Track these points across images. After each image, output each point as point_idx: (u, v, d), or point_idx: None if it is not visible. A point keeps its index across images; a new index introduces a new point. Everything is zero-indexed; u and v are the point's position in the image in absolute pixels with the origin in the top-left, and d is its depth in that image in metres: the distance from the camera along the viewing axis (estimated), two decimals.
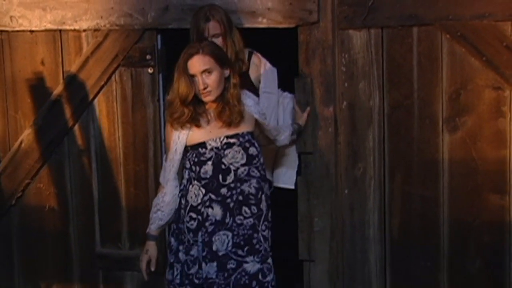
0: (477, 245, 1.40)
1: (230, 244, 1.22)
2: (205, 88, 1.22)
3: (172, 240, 1.30)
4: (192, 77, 1.23)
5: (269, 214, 1.29)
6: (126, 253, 1.62)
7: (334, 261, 1.46)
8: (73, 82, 1.60)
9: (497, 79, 1.36)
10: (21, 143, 1.65)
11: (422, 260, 1.44)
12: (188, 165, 1.27)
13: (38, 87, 1.62)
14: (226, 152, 1.25)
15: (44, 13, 1.57)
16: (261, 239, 1.24)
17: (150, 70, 1.55)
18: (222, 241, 1.22)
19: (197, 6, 1.44)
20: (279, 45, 1.59)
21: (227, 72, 1.26)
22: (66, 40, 1.59)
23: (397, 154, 1.45)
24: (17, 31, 1.61)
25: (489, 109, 1.37)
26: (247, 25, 1.47)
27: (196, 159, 1.25)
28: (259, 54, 1.52)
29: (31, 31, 1.60)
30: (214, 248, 1.22)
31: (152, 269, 1.29)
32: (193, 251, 1.25)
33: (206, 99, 1.24)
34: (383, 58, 1.42)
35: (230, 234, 1.22)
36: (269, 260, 1.25)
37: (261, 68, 1.50)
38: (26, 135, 1.64)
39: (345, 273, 1.48)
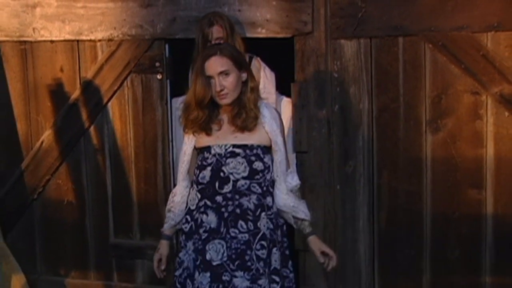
0: (457, 236, 1.44)
1: (225, 254, 1.11)
2: (221, 90, 1.12)
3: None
4: (209, 79, 1.13)
5: (276, 234, 1.14)
6: (137, 243, 1.66)
7: None
8: (89, 87, 1.64)
9: (475, 85, 1.40)
10: (42, 142, 1.69)
11: (407, 249, 1.47)
12: (194, 168, 1.19)
13: (57, 92, 1.67)
14: (228, 160, 1.14)
15: (63, 25, 1.62)
16: (254, 257, 1.11)
17: (159, 76, 1.59)
18: (216, 250, 1.12)
19: (201, 19, 1.48)
20: (276, 54, 1.62)
21: (244, 76, 1.16)
22: (83, 49, 1.63)
23: (384, 153, 1.48)
24: (39, 41, 1.65)
25: (468, 112, 1.41)
26: (247, 35, 1.51)
27: (200, 163, 1.17)
28: (259, 59, 1.57)
29: (52, 41, 1.64)
30: (207, 257, 1.11)
31: (162, 267, 1.21)
32: (181, 254, 1.16)
33: (222, 101, 1.14)
34: (371, 65, 1.46)
35: (224, 243, 1.12)
36: (261, 282, 1.09)
37: (261, 72, 1.54)
38: (47, 135, 1.69)
39: (337, 261, 1.53)
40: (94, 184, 1.68)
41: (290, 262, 1.18)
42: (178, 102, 1.65)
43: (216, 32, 1.45)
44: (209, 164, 1.16)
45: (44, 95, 1.68)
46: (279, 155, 1.17)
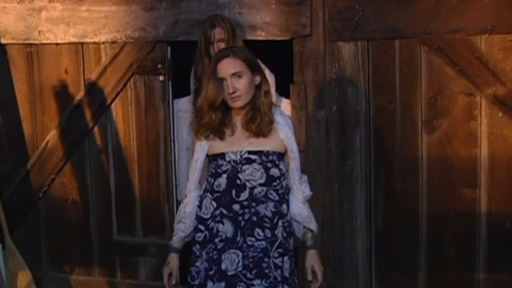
0: (452, 233, 1.46)
1: (240, 264, 1.07)
2: (234, 92, 1.08)
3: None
4: (221, 81, 1.09)
5: (288, 242, 1.10)
6: (140, 241, 1.68)
7: (326, 249, 1.51)
8: (93, 89, 1.67)
9: (469, 86, 1.42)
10: (47, 142, 1.72)
11: (403, 246, 1.49)
12: (207, 176, 1.14)
13: (62, 93, 1.69)
14: (244, 167, 1.09)
15: (68, 28, 1.64)
16: (272, 265, 1.07)
17: (161, 78, 1.61)
18: (231, 260, 1.07)
19: (203, 21, 1.50)
20: (276, 56, 1.63)
21: (258, 79, 1.12)
22: (87, 51, 1.66)
23: (381, 153, 1.50)
24: (44, 44, 1.67)
25: (462, 113, 1.43)
26: (247, 38, 1.53)
27: (213, 171, 1.11)
28: (259, 60, 1.61)
29: (57, 44, 1.67)
30: (223, 267, 1.07)
31: (173, 282, 1.15)
32: (198, 263, 1.11)
33: (234, 104, 1.10)
34: (368, 67, 1.48)
35: (240, 253, 1.07)
36: None
37: None
38: (52, 135, 1.71)
39: (335, 259, 1.53)
40: (98, 183, 1.70)
41: (296, 270, 1.15)
42: (179, 103, 1.68)
43: (218, 34, 1.47)
44: (224, 172, 1.11)
45: (49, 96, 1.70)
46: (295, 163, 1.14)
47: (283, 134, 1.13)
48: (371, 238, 1.51)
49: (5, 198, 1.73)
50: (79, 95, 1.68)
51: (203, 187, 1.15)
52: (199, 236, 1.12)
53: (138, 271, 1.70)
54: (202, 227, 1.12)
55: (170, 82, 1.63)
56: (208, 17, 1.50)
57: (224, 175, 1.11)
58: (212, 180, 1.12)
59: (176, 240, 1.17)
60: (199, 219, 1.13)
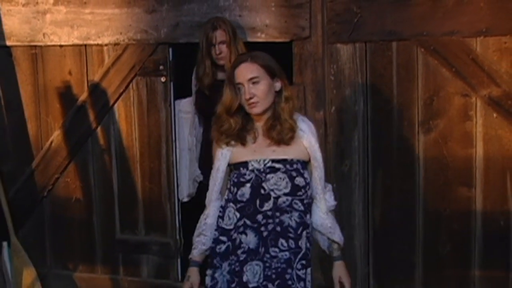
0: (448, 231, 1.48)
1: (261, 276, 1.03)
2: (251, 98, 1.04)
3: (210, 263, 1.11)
4: (238, 86, 1.06)
5: (310, 254, 1.06)
6: (142, 239, 1.70)
7: None
8: (96, 90, 1.69)
9: (465, 87, 1.44)
10: (51, 142, 1.74)
11: (400, 244, 1.51)
12: (229, 186, 1.10)
13: (66, 94, 1.71)
14: (268, 176, 1.05)
15: (71, 30, 1.67)
16: (295, 277, 1.04)
17: (162, 79, 1.63)
18: (253, 272, 1.03)
19: (204, 23, 1.53)
20: (275, 58, 1.67)
21: (278, 85, 1.08)
22: (90, 53, 1.68)
23: (379, 153, 1.52)
24: (49, 46, 1.70)
25: (458, 113, 1.45)
26: (248, 39, 1.55)
27: (236, 180, 1.07)
28: None
29: (61, 46, 1.69)
30: (244, 279, 1.03)
31: None
32: (216, 274, 1.07)
33: (252, 111, 1.06)
34: (366, 68, 1.50)
35: (261, 264, 1.04)
36: None
37: None
38: (56, 135, 1.74)
39: None
40: (101, 183, 1.72)
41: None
42: (181, 104, 1.69)
43: (220, 36, 1.49)
44: (248, 181, 1.07)
45: (53, 97, 1.73)
46: (319, 171, 1.10)
47: (307, 142, 1.09)
48: (368, 236, 1.53)
49: (10, 196, 1.75)
50: (83, 96, 1.70)
51: (225, 196, 1.11)
52: (220, 248, 1.08)
53: (140, 269, 1.72)
54: (224, 238, 1.08)
55: (171, 83, 1.65)
56: (209, 19, 1.52)
57: (248, 185, 1.07)
58: (235, 189, 1.08)
59: (197, 254, 1.12)
60: (221, 230, 1.09)
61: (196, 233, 1.14)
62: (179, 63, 1.67)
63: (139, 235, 1.70)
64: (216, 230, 1.10)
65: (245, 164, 1.08)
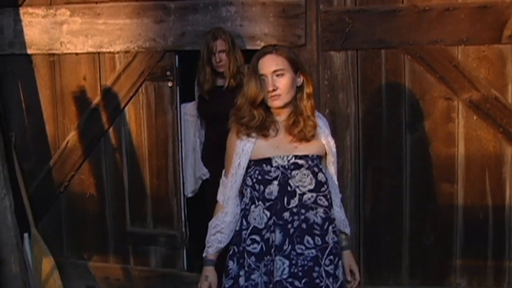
0: (432, 224, 1.57)
1: (286, 272, 0.99)
2: (274, 90, 1.00)
3: (231, 264, 1.06)
4: (262, 78, 1.01)
5: (334, 250, 1.03)
6: (151, 232, 1.79)
7: None
8: (108, 94, 1.78)
9: (448, 91, 1.53)
10: (67, 142, 1.83)
11: (389, 236, 1.60)
12: (249, 183, 1.04)
13: (81, 98, 1.80)
14: (293, 173, 1.02)
15: (86, 39, 1.76)
16: (323, 274, 1.00)
17: (169, 84, 1.72)
18: (277, 267, 1.00)
19: (206, 33, 1.61)
20: None
21: (300, 80, 1.04)
22: (103, 60, 1.77)
23: (369, 151, 1.61)
24: (65, 53, 1.79)
25: (442, 116, 1.54)
26: (248, 47, 1.64)
27: (259, 177, 1.02)
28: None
29: (76, 54, 1.78)
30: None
31: None
32: (254, 276, 1.02)
33: (273, 103, 1.02)
34: (357, 74, 1.58)
35: (287, 262, 1.00)
36: None
37: None
38: (72, 136, 1.83)
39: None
40: (113, 179, 1.81)
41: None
42: (186, 108, 1.79)
43: (220, 45, 1.59)
44: (275, 178, 1.02)
45: (69, 100, 1.82)
46: (335, 166, 1.09)
47: (324, 138, 1.07)
48: (359, 229, 1.61)
49: (30, 192, 1.85)
50: (96, 99, 1.80)
51: (249, 194, 1.05)
52: (255, 248, 1.03)
53: (149, 259, 1.81)
54: (257, 238, 1.03)
55: (177, 88, 1.74)
56: (210, 30, 1.61)
57: (275, 182, 1.02)
58: (262, 187, 1.03)
59: (212, 252, 1.08)
60: (252, 229, 1.04)
61: (212, 231, 1.09)
62: (184, 69, 1.76)
63: (147, 228, 1.79)
64: (245, 229, 1.05)
65: (268, 160, 1.04)
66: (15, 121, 1.86)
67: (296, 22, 1.60)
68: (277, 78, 1.03)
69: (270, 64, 1.04)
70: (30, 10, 1.79)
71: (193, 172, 1.76)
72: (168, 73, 1.71)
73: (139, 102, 1.76)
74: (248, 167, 1.07)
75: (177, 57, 1.72)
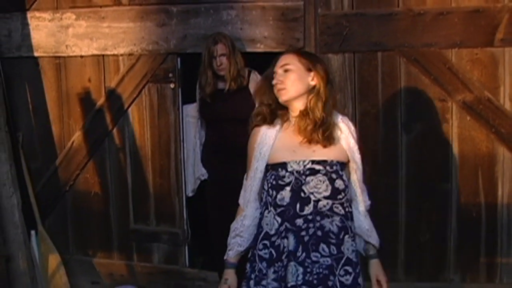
0: (427, 222, 1.60)
1: (300, 278, 0.97)
2: (277, 83, 1.01)
3: (247, 266, 1.06)
4: (274, 74, 1.03)
5: (354, 259, 1.00)
6: (154, 229, 1.83)
7: None
8: (112, 95, 1.82)
9: (442, 93, 1.57)
10: (72, 142, 1.87)
11: (385, 233, 1.54)
12: (266, 187, 1.04)
13: (86, 99, 1.84)
14: (308, 179, 1.00)
15: (91, 42, 1.79)
16: (338, 284, 0.98)
17: (172, 85, 1.75)
18: (292, 272, 0.98)
19: (207, 37, 1.66)
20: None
21: (313, 82, 1.02)
22: (108, 62, 1.80)
23: (366, 151, 1.53)
24: (71, 56, 1.83)
25: (436, 116, 1.57)
26: (248, 50, 1.68)
27: (274, 182, 1.01)
28: (257, 72, 1.73)
29: (81, 56, 1.82)
30: (286, 280, 0.98)
31: None
32: (264, 282, 1.01)
33: (280, 96, 1.02)
34: (355, 76, 1.62)
35: (301, 269, 0.98)
36: None
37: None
38: (77, 136, 1.87)
39: None
40: (117, 178, 1.85)
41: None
42: (188, 109, 1.83)
43: (220, 49, 1.63)
44: (288, 184, 1.01)
45: (74, 102, 1.86)
46: (358, 173, 1.06)
47: (346, 143, 1.04)
48: None
49: (37, 190, 1.89)
50: (101, 101, 1.83)
51: (264, 199, 1.05)
52: (265, 253, 1.03)
53: (152, 256, 1.85)
54: (267, 243, 1.03)
55: (179, 89, 1.78)
56: (211, 35, 1.65)
57: (288, 188, 1.00)
58: (274, 193, 1.02)
59: (233, 255, 1.07)
60: (264, 235, 1.03)
61: (231, 235, 1.08)
62: (186, 71, 1.79)
63: (150, 225, 1.83)
64: (259, 233, 1.04)
65: (283, 165, 1.02)
66: (22, 122, 1.90)
67: (295, 26, 1.64)
68: (283, 73, 1.04)
69: (280, 61, 1.06)
70: (37, 14, 1.83)
71: (193, 172, 1.80)
72: (170, 75, 1.75)
73: (142, 103, 1.80)
74: (267, 171, 1.06)
75: (179, 59, 1.76)
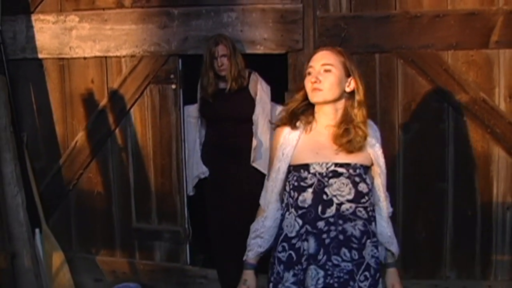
0: (424, 220, 1.63)
1: (320, 282, 0.96)
2: (315, 82, 0.96)
3: (270, 267, 1.05)
4: (309, 70, 0.99)
5: (373, 265, 0.98)
6: (155, 228, 1.85)
7: None
8: (115, 96, 1.84)
9: (439, 94, 1.59)
10: (76, 142, 1.89)
11: None
12: (287, 188, 1.02)
13: (89, 100, 1.86)
14: (331, 181, 0.98)
15: (94, 44, 1.82)
16: None
17: (173, 86, 1.77)
18: (312, 276, 0.96)
19: (208, 39, 1.68)
20: (272, 68, 1.77)
21: (350, 86, 0.99)
22: (110, 64, 1.82)
23: None
24: (74, 58, 1.85)
25: (433, 117, 1.60)
26: (248, 51, 1.70)
27: (296, 183, 0.99)
28: (257, 73, 1.76)
29: (84, 58, 1.84)
30: (305, 284, 0.97)
31: None
32: (281, 286, 1.00)
33: (313, 97, 0.97)
34: None
35: (322, 272, 0.96)
36: None
37: (258, 85, 1.72)
38: (80, 136, 1.89)
39: None
40: (119, 177, 1.87)
41: None
42: (189, 110, 1.85)
43: (221, 50, 1.66)
44: (310, 185, 0.99)
45: (78, 102, 1.88)
46: (382, 178, 1.03)
47: (371, 147, 1.02)
48: None
49: (41, 190, 1.91)
50: (103, 101, 1.86)
51: (286, 200, 1.03)
52: (283, 256, 1.01)
53: (153, 253, 1.87)
54: (286, 246, 1.01)
55: (181, 90, 1.80)
56: (212, 36, 1.67)
57: (310, 190, 0.99)
58: (296, 194, 1.00)
59: (252, 256, 1.06)
60: (284, 237, 1.01)
61: (251, 235, 1.06)
62: (187, 72, 1.82)
63: (152, 224, 1.85)
64: (279, 235, 1.03)
65: (306, 166, 1.00)
66: (26, 122, 1.92)
67: (294, 28, 1.66)
68: (324, 72, 0.99)
69: (322, 57, 1.01)
70: (41, 16, 1.86)
71: (193, 171, 1.82)
72: (171, 76, 1.77)
73: (144, 104, 1.82)
74: (289, 172, 1.04)
75: (180, 61, 1.78)
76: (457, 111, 1.59)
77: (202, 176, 1.80)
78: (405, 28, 1.58)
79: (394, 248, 1.09)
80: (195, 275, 1.84)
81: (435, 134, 1.61)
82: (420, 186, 1.63)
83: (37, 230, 1.84)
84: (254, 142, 1.73)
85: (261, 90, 1.73)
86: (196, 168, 1.81)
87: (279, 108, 1.75)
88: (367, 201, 1.01)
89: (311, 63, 1.01)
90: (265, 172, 1.71)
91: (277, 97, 1.77)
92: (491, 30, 1.53)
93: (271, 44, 1.68)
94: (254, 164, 1.74)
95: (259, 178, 1.74)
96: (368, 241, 1.01)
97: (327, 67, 1.00)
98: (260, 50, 1.70)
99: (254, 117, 1.73)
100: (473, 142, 1.59)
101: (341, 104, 1.02)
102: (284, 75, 1.72)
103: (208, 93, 1.72)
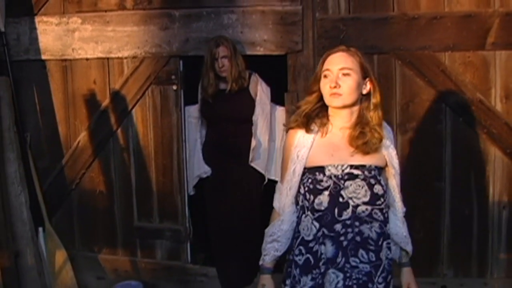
0: (421, 219, 1.65)
1: (340, 285, 0.96)
2: (335, 87, 0.94)
3: (285, 270, 1.05)
4: (324, 73, 0.96)
5: (386, 266, 0.98)
6: (157, 226, 1.87)
7: None
8: (117, 97, 1.86)
9: (436, 95, 1.61)
10: (78, 142, 1.91)
11: None
12: (302, 191, 1.01)
13: (91, 100, 1.88)
14: (346, 183, 0.97)
15: (96, 45, 1.84)
16: None
17: (174, 87, 1.79)
18: (330, 281, 0.96)
19: (209, 40, 1.70)
20: (271, 70, 1.79)
21: (366, 87, 0.98)
22: (112, 65, 1.84)
23: None
24: (77, 59, 1.87)
25: (430, 117, 1.61)
26: (248, 53, 1.72)
27: (311, 186, 0.98)
28: (257, 75, 1.79)
29: (87, 59, 1.86)
30: None
31: None
32: None
33: (332, 101, 0.96)
34: None
35: (341, 275, 0.96)
36: None
37: (258, 86, 1.75)
38: (82, 136, 1.91)
39: None
40: (121, 177, 1.90)
41: None
42: (190, 110, 1.88)
43: (222, 52, 1.68)
44: (326, 188, 0.98)
45: (80, 103, 1.90)
46: (397, 179, 1.03)
47: (385, 148, 1.01)
48: None
49: (44, 189, 1.94)
50: (105, 102, 1.88)
51: (301, 203, 1.02)
52: (300, 259, 1.00)
53: (155, 252, 1.90)
54: (303, 249, 1.00)
55: (182, 91, 1.82)
56: (213, 38, 1.69)
57: (326, 192, 0.98)
58: (312, 197, 0.99)
59: (269, 260, 1.05)
60: (301, 240, 1.00)
61: (268, 239, 1.05)
62: (188, 73, 1.83)
63: (154, 223, 1.87)
64: (295, 238, 1.02)
65: (321, 169, 0.99)
66: (30, 123, 1.94)
67: (294, 29, 1.68)
68: (342, 76, 0.98)
69: (339, 61, 0.99)
70: (44, 18, 1.88)
71: (193, 171, 1.84)
72: (173, 77, 1.79)
73: (146, 104, 1.84)
74: (303, 174, 1.02)
75: (181, 62, 1.80)
76: (454, 111, 1.61)
77: (204, 176, 1.82)
78: (403, 30, 1.60)
79: (409, 247, 1.08)
80: (195, 273, 1.86)
81: (432, 134, 1.62)
82: (417, 185, 1.64)
83: (40, 229, 1.86)
84: (253, 143, 1.75)
85: (261, 91, 1.76)
86: (197, 168, 1.83)
87: (279, 109, 1.80)
88: (382, 203, 1.00)
89: (328, 66, 0.99)
90: (264, 172, 1.76)
91: (276, 98, 1.79)
92: (488, 32, 1.54)
93: (271, 46, 1.69)
94: (252, 164, 1.76)
95: (259, 178, 1.78)
96: (385, 242, 1.01)
97: (346, 71, 0.99)
98: (260, 51, 1.71)
99: (254, 118, 1.75)
100: (469, 142, 1.61)
101: (356, 106, 1.01)
102: (283, 76, 1.74)
103: (209, 93, 1.74)
